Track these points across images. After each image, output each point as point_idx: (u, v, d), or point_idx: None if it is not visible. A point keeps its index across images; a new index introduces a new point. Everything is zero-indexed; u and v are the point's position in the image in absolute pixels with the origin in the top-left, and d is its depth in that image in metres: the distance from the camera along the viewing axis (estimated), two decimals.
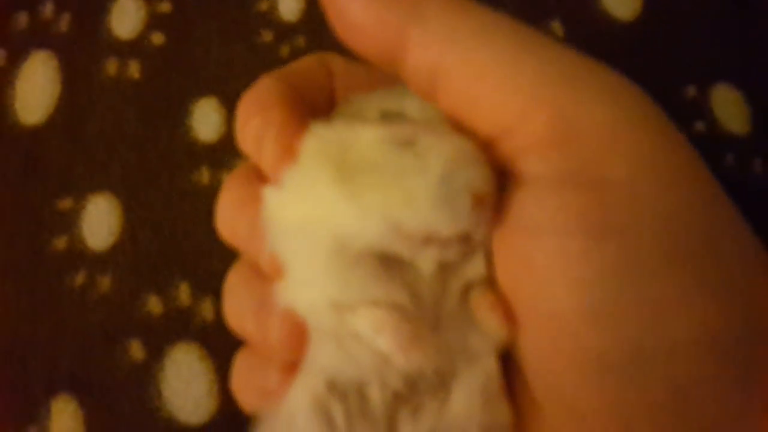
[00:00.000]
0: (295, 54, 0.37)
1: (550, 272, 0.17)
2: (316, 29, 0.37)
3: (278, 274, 0.21)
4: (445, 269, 0.19)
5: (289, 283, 0.20)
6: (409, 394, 0.19)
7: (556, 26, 0.38)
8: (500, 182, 0.19)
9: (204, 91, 0.36)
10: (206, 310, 0.32)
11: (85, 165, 0.35)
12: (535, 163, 0.18)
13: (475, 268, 0.20)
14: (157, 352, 0.31)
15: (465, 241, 0.19)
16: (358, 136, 0.19)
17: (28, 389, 0.31)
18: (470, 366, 0.20)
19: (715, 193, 0.18)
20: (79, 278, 0.33)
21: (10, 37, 0.38)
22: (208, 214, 0.33)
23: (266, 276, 0.21)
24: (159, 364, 0.31)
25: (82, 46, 0.37)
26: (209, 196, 0.33)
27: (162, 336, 0.31)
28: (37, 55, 0.38)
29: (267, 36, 0.37)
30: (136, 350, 0.31)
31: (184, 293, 0.32)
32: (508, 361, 0.20)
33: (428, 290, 0.19)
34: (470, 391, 0.19)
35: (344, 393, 0.19)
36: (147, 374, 0.31)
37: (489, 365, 0.20)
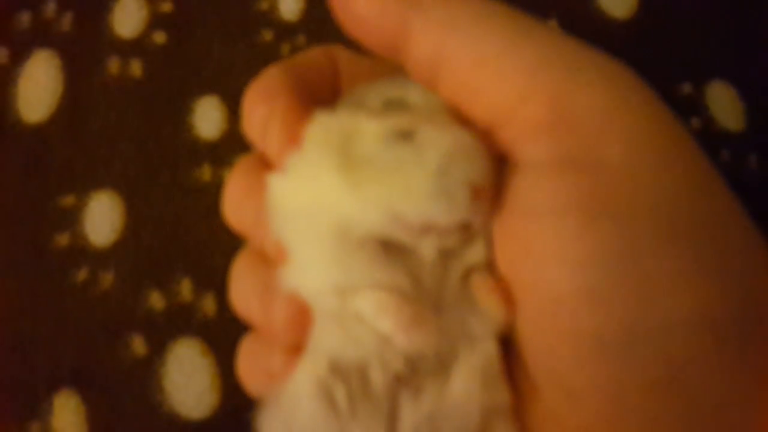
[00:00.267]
0: (296, 53, 0.36)
1: (547, 254, 0.18)
2: (316, 28, 0.37)
3: (283, 259, 0.21)
4: (446, 254, 0.20)
5: (292, 267, 0.20)
6: (410, 376, 0.20)
7: (553, 25, 0.37)
8: (499, 168, 0.19)
9: (205, 90, 0.36)
10: (208, 305, 0.32)
11: (87, 162, 0.35)
12: (533, 148, 0.18)
13: (476, 253, 0.20)
14: (159, 348, 0.31)
15: (464, 229, 0.19)
16: (361, 127, 0.20)
17: (30, 385, 0.31)
18: (470, 349, 0.20)
19: (709, 175, 0.18)
20: (82, 274, 0.33)
21: (12, 36, 0.38)
22: (210, 210, 0.33)
23: (272, 261, 0.21)
24: (161, 360, 0.31)
25: (84, 45, 0.37)
26: (211, 193, 0.34)
27: (164, 331, 0.31)
28: (39, 53, 0.37)
29: (267, 35, 0.37)
30: (138, 345, 0.31)
31: (186, 289, 0.32)
32: (508, 344, 0.20)
33: (429, 275, 0.20)
34: (470, 373, 0.20)
35: (347, 375, 0.20)
36: (149, 369, 0.31)
37: (489, 348, 0.20)
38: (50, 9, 0.38)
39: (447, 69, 0.19)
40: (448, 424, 0.19)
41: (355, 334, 0.20)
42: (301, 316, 0.20)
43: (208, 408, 0.30)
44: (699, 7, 0.38)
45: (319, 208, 0.20)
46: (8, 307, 0.32)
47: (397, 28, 0.19)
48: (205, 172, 0.34)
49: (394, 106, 0.21)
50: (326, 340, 0.20)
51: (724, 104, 0.36)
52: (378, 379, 0.19)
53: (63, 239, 0.33)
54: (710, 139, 0.35)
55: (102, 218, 0.33)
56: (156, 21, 0.37)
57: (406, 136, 0.19)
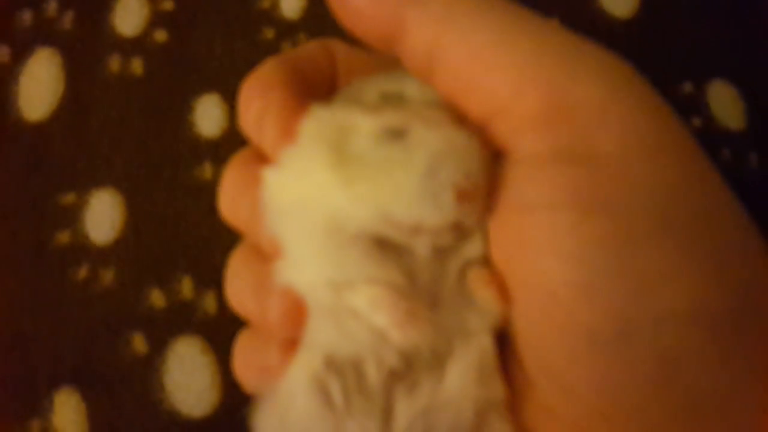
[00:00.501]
0: None
1: (542, 247, 0.17)
2: (317, 26, 0.37)
3: (277, 254, 0.21)
4: (442, 251, 0.19)
5: (287, 262, 0.20)
6: (406, 371, 0.19)
7: (554, 24, 0.37)
8: (495, 163, 0.19)
9: (206, 88, 0.35)
10: (209, 303, 0.31)
11: (88, 160, 0.34)
12: (528, 141, 0.18)
13: (473, 248, 0.20)
14: (159, 346, 0.31)
15: (456, 228, 0.19)
16: (355, 123, 0.19)
17: (30, 382, 0.31)
18: (466, 344, 0.20)
19: (705, 168, 0.18)
20: (82, 272, 0.32)
21: (14, 34, 0.38)
22: (211, 208, 0.33)
23: (267, 257, 0.21)
24: (161, 357, 0.31)
25: (85, 43, 0.37)
26: (211, 191, 0.33)
27: (164, 329, 0.31)
28: (41, 52, 0.37)
29: (269, 33, 0.37)
30: (139, 343, 0.31)
31: (186, 287, 0.32)
32: (504, 340, 0.20)
33: (425, 272, 0.20)
34: (465, 368, 0.19)
35: (342, 370, 0.20)
36: (149, 367, 0.30)
37: (484, 343, 0.20)
38: (52, 7, 0.38)
39: (442, 62, 0.19)
40: (442, 419, 0.19)
41: (349, 329, 0.19)
42: (296, 311, 0.20)
43: (208, 406, 0.30)
44: (700, 6, 0.37)
45: (312, 203, 0.19)
46: (9, 305, 0.32)
47: (393, 20, 0.19)
48: (206, 170, 0.34)
49: (390, 100, 0.21)
50: (321, 335, 0.20)
51: (725, 103, 0.35)
52: (373, 374, 0.19)
53: (64, 237, 0.33)
54: (711, 138, 0.35)
55: (103, 216, 0.33)
56: (157, 19, 0.37)
57: (398, 134, 0.19)
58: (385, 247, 0.19)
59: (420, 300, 0.19)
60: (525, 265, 0.18)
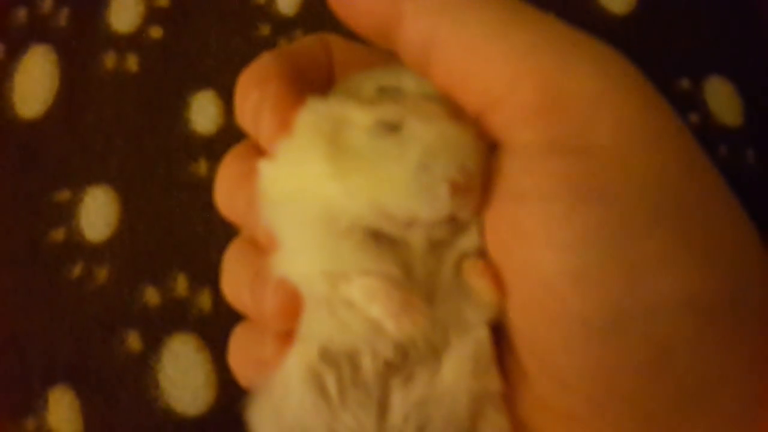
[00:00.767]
0: None
1: (536, 237, 0.17)
2: (313, 22, 0.36)
3: (273, 245, 0.20)
4: (438, 243, 0.19)
5: (282, 254, 0.20)
6: (401, 363, 0.19)
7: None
8: (490, 155, 0.19)
9: (202, 84, 0.35)
10: (204, 301, 0.31)
11: (83, 157, 0.34)
12: (523, 132, 0.18)
13: (469, 241, 0.20)
14: (154, 343, 0.30)
15: (451, 221, 0.19)
16: (350, 117, 0.19)
17: (25, 381, 0.30)
18: (463, 336, 0.20)
19: (698, 157, 0.18)
20: (77, 270, 0.32)
21: (9, 31, 0.37)
22: (206, 205, 0.32)
23: (263, 249, 0.21)
24: (156, 355, 0.30)
25: (80, 40, 0.36)
26: (207, 187, 0.33)
27: (159, 327, 0.30)
28: (36, 49, 0.36)
29: (265, 29, 0.36)
30: (134, 341, 0.30)
31: (181, 284, 0.31)
32: (500, 333, 0.20)
33: (421, 264, 0.19)
34: (461, 360, 0.19)
35: (337, 362, 0.19)
36: (144, 365, 0.30)
37: (481, 335, 0.20)
38: (47, 5, 0.37)
39: (438, 54, 0.19)
40: (438, 411, 0.19)
41: (345, 320, 0.19)
42: (292, 303, 0.20)
43: (203, 404, 0.29)
44: (697, 3, 0.37)
45: (307, 194, 0.19)
46: (3, 303, 0.32)
47: (389, 13, 0.19)
48: (201, 167, 0.33)
49: (387, 94, 0.20)
50: (317, 327, 0.20)
51: (722, 99, 0.35)
52: (368, 366, 0.19)
53: (58, 234, 0.33)
54: (708, 134, 0.35)
55: (97, 213, 0.33)
56: (152, 16, 0.37)
57: (392, 127, 0.19)
58: (381, 239, 0.19)
59: (415, 291, 0.19)
60: (519, 255, 0.18)
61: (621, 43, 0.36)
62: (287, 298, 0.20)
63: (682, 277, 0.17)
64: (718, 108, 0.35)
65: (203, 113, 0.34)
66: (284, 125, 0.20)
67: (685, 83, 0.35)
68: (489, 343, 0.20)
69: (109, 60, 0.36)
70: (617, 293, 0.17)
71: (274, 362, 0.21)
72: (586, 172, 0.17)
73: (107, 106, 0.35)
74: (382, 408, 0.19)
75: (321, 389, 0.19)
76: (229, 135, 0.34)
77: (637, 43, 0.36)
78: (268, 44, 0.36)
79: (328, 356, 0.20)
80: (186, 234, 0.32)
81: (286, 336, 0.21)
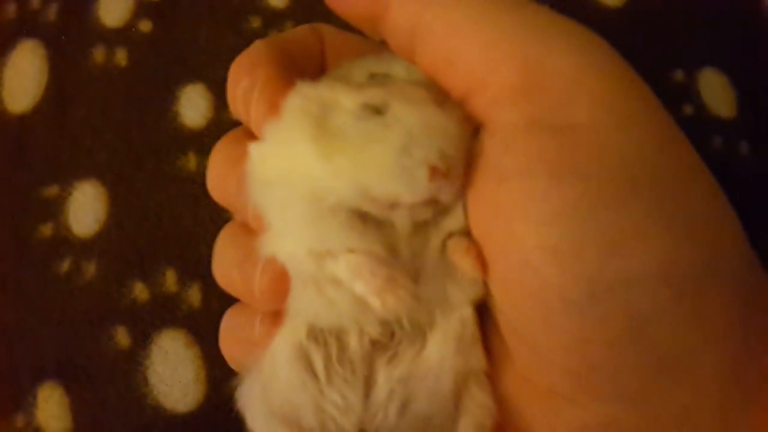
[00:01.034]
0: None
1: (515, 213, 0.18)
2: (304, 15, 0.35)
3: (262, 227, 0.20)
4: (424, 223, 0.19)
5: (269, 233, 0.20)
6: (387, 342, 0.20)
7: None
8: (474, 138, 0.19)
9: (191, 78, 0.34)
10: (193, 296, 0.30)
11: (72, 152, 0.33)
12: (505, 112, 0.18)
13: (455, 221, 0.20)
14: (143, 339, 0.30)
15: (433, 204, 0.19)
16: (337, 99, 0.19)
17: (14, 377, 0.30)
18: (448, 315, 0.20)
19: (673, 134, 0.19)
20: (65, 265, 0.31)
21: None
22: (195, 199, 0.32)
23: (254, 232, 0.21)
24: (145, 351, 0.29)
25: (69, 34, 0.36)
26: (196, 182, 0.32)
27: (148, 323, 0.30)
28: (25, 44, 0.36)
29: (255, 22, 0.36)
30: (122, 337, 0.30)
31: (170, 279, 0.30)
32: (485, 313, 0.20)
33: (405, 244, 0.19)
34: (446, 338, 0.20)
35: (324, 340, 0.20)
36: (133, 361, 0.29)
37: (465, 314, 0.20)
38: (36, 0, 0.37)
39: (423, 39, 0.19)
40: (422, 387, 0.20)
41: (331, 297, 0.19)
42: (280, 282, 0.20)
43: (193, 400, 0.29)
44: None
45: (293, 175, 0.19)
46: None
47: (376, 1, 0.19)
48: (191, 161, 0.33)
49: (376, 79, 0.20)
50: (305, 306, 0.20)
51: (716, 91, 0.35)
52: (355, 344, 0.20)
53: (46, 230, 0.32)
54: (703, 125, 0.34)
55: (85, 208, 0.32)
56: (142, 10, 0.36)
57: (378, 110, 0.19)
58: (366, 219, 0.19)
59: (400, 268, 0.19)
60: (500, 231, 0.18)
61: (615, 34, 0.36)
62: (276, 277, 0.20)
63: (657, 249, 0.17)
64: (712, 99, 0.34)
65: (193, 107, 0.33)
66: (273, 108, 0.20)
67: (679, 75, 0.35)
68: (474, 321, 0.20)
69: (98, 54, 0.35)
70: (593, 266, 0.17)
71: (263, 343, 0.21)
72: (564, 149, 0.17)
73: (96, 100, 0.34)
74: (368, 385, 0.20)
75: (308, 367, 0.20)
76: (219, 128, 0.33)
77: (632, 35, 0.36)
78: (259, 37, 0.34)
79: (315, 334, 0.20)
80: (175, 229, 0.31)
81: (275, 317, 0.21)
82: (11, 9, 0.37)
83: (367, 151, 0.18)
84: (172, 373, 0.29)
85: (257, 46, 0.22)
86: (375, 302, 0.18)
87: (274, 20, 0.35)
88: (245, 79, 0.21)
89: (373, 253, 0.19)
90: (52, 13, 0.36)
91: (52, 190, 0.32)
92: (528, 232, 0.17)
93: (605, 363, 0.18)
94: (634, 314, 0.17)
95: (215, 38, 0.35)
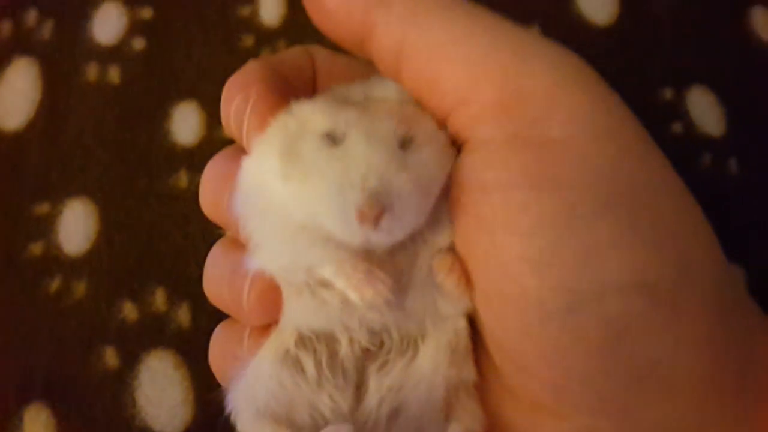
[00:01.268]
0: None
1: (496, 225, 0.18)
2: (297, 33, 0.35)
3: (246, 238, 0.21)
4: (413, 240, 0.19)
5: (253, 247, 0.20)
6: (377, 350, 0.20)
7: (534, 31, 0.36)
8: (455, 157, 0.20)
9: (184, 95, 0.34)
10: (182, 316, 0.30)
11: (63, 169, 0.32)
12: (486, 128, 0.19)
13: (444, 237, 0.20)
14: (131, 359, 0.29)
15: (367, 247, 0.19)
16: (315, 121, 0.20)
17: (0, 398, 0.29)
18: (440, 327, 0.20)
19: (647, 148, 0.19)
20: (55, 284, 0.30)
21: None
22: (186, 218, 0.31)
23: (244, 247, 0.21)
24: (133, 372, 0.29)
25: (63, 52, 0.35)
26: (187, 199, 0.31)
27: (137, 343, 0.29)
28: (19, 61, 0.35)
29: (248, 40, 0.35)
30: (111, 357, 0.29)
31: (159, 299, 0.30)
32: (473, 328, 0.21)
33: (387, 261, 0.19)
34: (438, 348, 0.20)
35: (313, 347, 0.20)
36: (121, 382, 0.28)
37: (458, 326, 0.20)
38: (31, 17, 0.36)
39: (408, 59, 0.19)
40: (414, 396, 0.20)
41: (324, 297, 0.19)
42: (268, 295, 0.20)
43: (181, 423, 0.28)
44: (677, 14, 0.36)
45: (266, 190, 0.20)
46: None
47: (363, 22, 0.20)
48: (182, 179, 0.32)
49: (361, 103, 0.21)
50: (294, 312, 0.20)
51: (705, 109, 0.35)
52: (346, 350, 0.20)
53: (36, 248, 0.31)
54: (692, 143, 0.34)
55: (76, 226, 0.31)
56: (136, 27, 0.35)
57: (335, 140, 0.19)
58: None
59: (379, 266, 0.19)
60: (481, 243, 0.19)
61: (605, 53, 0.36)
62: (264, 290, 0.20)
63: (630, 259, 0.17)
64: (700, 117, 0.34)
65: (185, 124, 0.33)
66: (264, 125, 0.20)
67: (668, 93, 0.35)
68: (467, 333, 0.20)
69: (91, 72, 0.34)
70: (570, 275, 0.17)
71: (250, 356, 0.21)
72: (542, 163, 0.18)
73: (88, 117, 0.33)
74: (359, 391, 0.20)
75: (298, 369, 0.20)
76: (211, 146, 0.32)
77: (621, 54, 0.36)
78: (251, 55, 0.35)
79: (303, 342, 0.20)
80: (165, 247, 0.31)
81: (263, 331, 0.21)
82: (6, 27, 0.36)
83: (312, 182, 0.18)
84: (160, 394, 0.28)
85: (251, 66, 0.22)
86: (354, 296, 0.18)
87: (267, 39, 0.35)
88: (238, 97, 0.21)
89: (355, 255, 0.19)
90: (46, 31, 0.36)
91: (43, 208, 0.32)
92: (508, 243, 0.18)
93: (584, 372, 0.18)
94: (610, 323, 0.17)
95: (208, 56, 0.34)
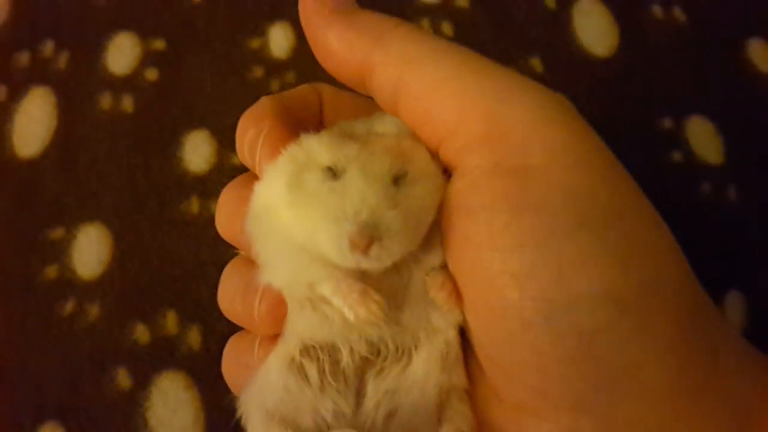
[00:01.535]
0: (285, 89, 0.36)
1: (482, 243, 0.20)
2: (305, 65, 0.37)
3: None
4: (406, 260, 0.21)
5: (260, 263, 0.22)
6: (375, 359, 0.22)
7: (536, 62, 0.37)
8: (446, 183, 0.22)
9: (195, 124, 0.35)
10: (193, 338, 0.30)
11: (77, 195, 0.34)
12: (472, 157, 0.21)
13: (436, 256, 0.22)
14: (143, 381, 0.30)
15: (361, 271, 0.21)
16: (321, 154, 0.21)
17: (15, 417, 0.30)
18: (433, 338, 0.22)
19: (619, 174, 0.21)
20: (69, 307, 0.31)
21: (11, 74, 0.37)
22: (197, 243, 0.32)
23: (256, 265, 0.23)
24: (145, 393, 0.30)
25: (78, 81, 0.37)
26: (198, 225, 0.33)
27: (148, 364, 0.30)
28: (35, 90, 0.37)
29: (258, 71, 0.36)
30: (123, 378, 0.30)
31: (171, 321, 0.31)
32: (464, 339, 0.22)
33: (384, 280, 0.21)
34: (430, 356, 0.22)
35: (317, 356, 0.22)
36: (133, 403, 0.29)
37: (450, 336, 0.22)
38: (48, 48, 0.38)
39: (404, 96, 0.21)
40: (408, 399, 0.21)
41: (326, 312, 0.21)
42: (277, 307, 0.22)
43: None
44: (676, 45, 0.38)
45: (273, 213, 0.21)
46: None
47: (363, 62, 0.22)
48: (193, 205, 0.33)
49: (363, 138, 0.22)
50: (299, 325, 0.22)
51: (704, 138, 0.36)
52: (347, 359, 0.21)
53: (51, 272, 0.32)
54: (691, 171, 0.35)
55: (90, 251, 0.32)
56: (148, 58, 0.37)
57: (335, 174, 0.21)
58: None
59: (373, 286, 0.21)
60: (469, 259, 0.21)
61: (605, 83, 0.37)
62: (273, 303, 0.22)
63: (601, 273, 0.19)
64: (699, 146, 0.35)
65: (196, 152, 0.34)
66: (275, 154, 0.22)
67: (667, 122, 0.36)
68: (457, 343, 0.22)
69: (105, 101, 0.36)
70: (547, 287, 0.19)
71: (261, 364, 0.22)
72: (522, 188, 0.20)
73: (102, 145, 0.35)
74: (359, 396, 0.22)
75: (302, 375, 0.21)
76: (222, 173, 0.34)
77: (621, 84, 0.37)
78: (261, 86, 0.36)
79: (308, 351, 0.22)
80: (176, 271, 0.32)
81: (272, 341, 0.23)
82: (24, 57, 0.38)
83: (313, 211, 0.20)
84: (171, 415, 0.29)
85: (263, 102, 0.24)
86: (349, 314, 0.20)
87: (276, 70, 0.36)
88: (252, 129, 0.23)
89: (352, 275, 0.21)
90: (62, 61, 0.37)
91: (58, 233, 0.33)
92: (493, 259, 0.20)
93: (561, 377, 0.20)
94: (582, 331, 0.19)
95: (219, 86, 0.36)
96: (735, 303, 0.32)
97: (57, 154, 0.35)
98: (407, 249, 0.21)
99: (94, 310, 0.31)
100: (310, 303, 0.21)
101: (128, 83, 0.36)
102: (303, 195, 0.21)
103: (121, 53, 0.37)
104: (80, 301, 0.31)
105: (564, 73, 0.37)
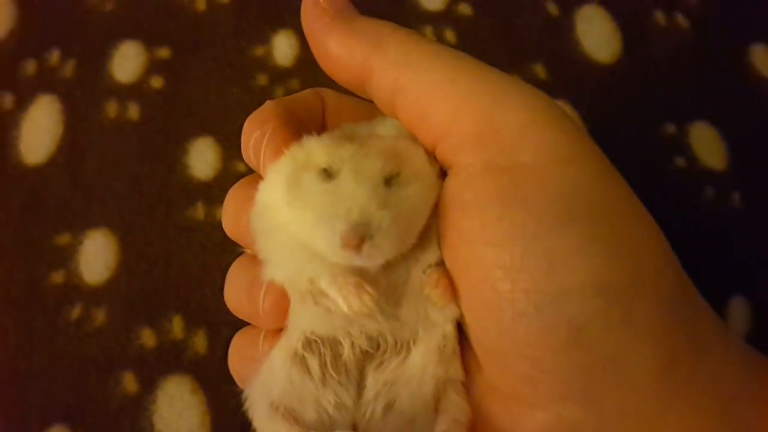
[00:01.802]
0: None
1: (475, 237, 0.21)
2: (309, 72, 0.37)
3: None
4: (404, 258, 0.22)
5: (263, 259, 0.23)
6: (375, 352, 0.23)
7: (539, 69, 0.38)
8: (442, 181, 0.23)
9: (200, 131, 0.36)
10: (199, 343, 0.31)
11: (84, 202, 0.34)
12: (466, 156, 0.22)
13: (433, 254, 0.23)
14: (149, 385, 0.30)
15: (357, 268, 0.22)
16: (319, 155, 0.22)
17: (23, 421, 0.30)
18: (430, 332, 0.23)
19: (606, 171, 0.22)
20: (75, 312, 0.32)
21: (18, 82, 0.38)
22: (203, 248, 0.33)
23: (261, 262, 0.24)
24: (151, 396, 0.30)
25: (84, 89, 0.37)
26: (203, 231, 0.33)
27: (155, 368, 0.31)
28: (42, 98, 0.38)
29: (262, 79, 0.37)
30: (130, 382, 0.31)
31: (177, 326, 0.31)
32: (461, 333, 0.23)
33: (381, 276, 0.22)
34: (427, 350, 0.23)
35: (318, 350, 0.23)
36: (140, 406, 0.30)
37: (447, 330, 0.23)
38: (54, 57, 0.39)
39: (401, 98, 0.22)
40: (406, 390, 0.23)
41: (324, 308, 0.22)
42: (281, 302, 0.23)
43: None
44: (678, 51, 0.38)
45: (274, 210, 0.23)
46: (3, 344, 0.32)
47: (362, 66, 0.23)
48: (199, 211, 0.34)
49: (360, 139, 0.23)
50: (303, 318, 0.23)
51: (707, 143, 0.36)
52: (348, 352, 0.22)
53: (58, 277, 0.33)
54: (695, 177, 0.35)
55: (96, 256, 0.33)
56: (154, 66, 0.38)
57: (330, 175, 0.22)
58: None
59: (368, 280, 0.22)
60: (463, 253, 0.22)
61: (608, 90, 0.38)
62: (277, 298, 0.23)
63: (589, 265, 0.20)
64: (703, 152, 0.36)
65: (202, 159, 0.35)
66: (278, 155, 0.23)
67: (670, 128, 0.36)
68: (454, 337, 0.23)
69: (111, 108, 0.37)
70: (538, 279, 0.20)
71: (266, 357, 0.24)
72: (513, 184, 0.21)
73: (108, 152, 0.36)
74: (359, 387, 0.23)
75: (305, 368, 0.22)
76: (227, 180, 0.34)
77: (624, 90, 0.37)
78: (265, 93, 0.37)
79: (310, 344, 0.23)
80: (183, 276, 0.32)
81: (276, 334, 0.24)
82: (31, 66, 0.38)
83: (308, 211, 0.21)
84: (178, 418, 0.30)
85: (267, 106, 0.25)
86: (343, 306, 0.21)
87: (280, 78, 0.37)
88: (257, 131, 0.24)
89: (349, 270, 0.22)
90: (69, 69, 0.38)
91: (65, 238, 0.34)
92: (486, 253, 0.21)
93: (553, 366, 0.21)
94: (572, 321, 0.20)
95: (224, 94, 0.37)
96: (739, 308, 0.33)
97: (63, 161, 0.36)
98: (400, 248, 0.22)
99: (100, 315, 0.32)
100: (312, 297, 0.22)
101: (134, 91, 0.37)
102: (300, 194, 0.22)
103: (127, 61, 0.38)
104: (87, 306, 0.32)
105: (567, 79, 0.38)
